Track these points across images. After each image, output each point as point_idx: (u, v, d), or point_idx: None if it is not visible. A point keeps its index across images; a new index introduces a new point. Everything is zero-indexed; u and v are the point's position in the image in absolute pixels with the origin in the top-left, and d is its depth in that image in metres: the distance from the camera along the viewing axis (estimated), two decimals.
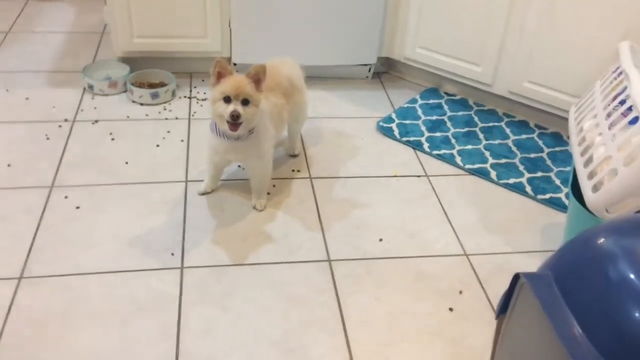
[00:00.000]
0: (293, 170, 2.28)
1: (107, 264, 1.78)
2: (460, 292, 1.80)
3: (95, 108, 2.53)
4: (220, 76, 1.80)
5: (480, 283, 1.83)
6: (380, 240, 1.97)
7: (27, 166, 2.14)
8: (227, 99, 1.77)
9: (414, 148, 2.46)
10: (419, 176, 2.30)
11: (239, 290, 1.74)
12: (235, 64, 2.84)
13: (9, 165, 2.14)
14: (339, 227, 2.01)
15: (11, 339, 1.53)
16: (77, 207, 1.98)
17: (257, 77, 1.81)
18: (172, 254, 1.84)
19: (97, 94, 2.62)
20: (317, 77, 2.90)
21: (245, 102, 1.78)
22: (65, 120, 2.43)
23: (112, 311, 1.63)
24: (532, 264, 1.91)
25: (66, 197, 2.02)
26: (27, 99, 2.55)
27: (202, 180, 2.13)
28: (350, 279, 1.81)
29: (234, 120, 1.76)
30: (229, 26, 2.69)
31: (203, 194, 2.10)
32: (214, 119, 1.85)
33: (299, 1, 2.64)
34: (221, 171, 2.11)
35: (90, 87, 2.63)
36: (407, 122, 2.61)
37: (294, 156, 2.35)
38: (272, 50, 2.72)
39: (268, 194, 2.13)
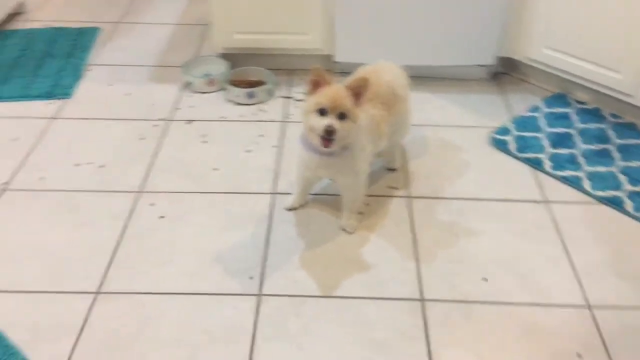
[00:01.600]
0: (390, 187, 2.06)
1: (184, 283, 1.69)
2: (579, 357, 1.50)
3: (191, 107, 2.46)
4: (316, 85, 1.62)
5: (605, 347, 1.52)
6: (485, 279, 1.71)
7: (119, 168, 2.11)
8: (322, 112, 1.59)
9: (532, 167, 2.14)
10: (536, 202, 1.99)
11: (317, 326, 1.57)
12: (338, 63, 2.65)
13: (102, 167, 2.12)
14: (437, 259, 1.78)
15: None
16: (161, 217, 1.91)
17: (358, 90, 1.61)
18: (251, 278, 1.71)
19: (196, 92, 2.55)
20: (426, 77, 2.63)
21: (341, 116, 1.59)
22: (161, 119, 2.38)
23: (183, 339, 1.53)
24: None
25: (152, 204, 1.96)
26: (127, 94, 2.53)
27: (290, 194, 1.98)
28: (445, 327, 1.57)
29: (328, 136, 1.58)
30: (333, 22, 2.49)
31: (290, 209, 1.95)
32: (306, 132, 1.67)
33: None
34: (311, 186, 1.94)
35: (189, 84, 2.57)
36: (527, 134, 2.28)
37: (393, 170, 2.13)
38: (379, 48, 2.50)
39: (360, 213, 1.93)
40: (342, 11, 2.44)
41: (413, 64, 2.53)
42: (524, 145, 2.22)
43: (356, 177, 1.77)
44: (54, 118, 2.36)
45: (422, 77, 2.63)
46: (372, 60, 2.43)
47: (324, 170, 1.76)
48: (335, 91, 1.58)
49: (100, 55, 2.81)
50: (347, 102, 1.57)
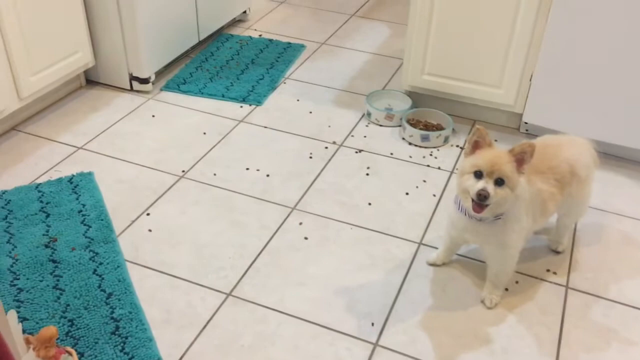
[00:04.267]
0: (548, 271, 1.87)
1: (307, 310, 1.71)
2: None
3: (365, 137, 2.50)
4: (477, 146, 1.54)
5: None
6: None
7: (282, 181, 2.21)
8: (479, 174, 1.50)
9: None
10: None
11: None
12: (526, 123, 2.49)
13: (267, 176, 2.24)
14: None
15: (195, 355, 1.57)
16: (306, 238, 1.96)
17: (521, 157, 1.49)
18: (372, 324, 1.67)
19: (373, 123, 2.59)
20: (625, 159, 2.36)
21: (499, 182, 1.49)
22: (333, 142, 2.45)
23: None
24: None
25: (301, 223, 2.02)
26: (310, 112, 2.65)
27: (436, 248, 1.90)
28: None
29: (481, 201, 1.49)
30: (530, 80, 2.35)
31: (432, 264, 1.87)
32: (458, 193, 1.60)
33: (624, 68, 2.15)
34: (458, 247, 1.84)
35: (369, 114, 2.61)
36: None
37: (557, 253, 1.93)
38: (575, 117, 2.30)
39: (506, 289, 1.78)
40: (542, 70, 2.29)
41: (611, 142, 2.29)
42: None
43: (505, 249, 1.64)
44: (241, 121, 2.56)
45: (619, 158, 2.36)
46: (565, 128, 2.25)
47: (472, 235, 1.66)
48: (496, 155, 1.48)
49: (298, 70, 2.99)
50: (507, 167, 1.47)
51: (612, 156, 2.37)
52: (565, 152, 1.70)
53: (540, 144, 1.62)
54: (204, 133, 2.47)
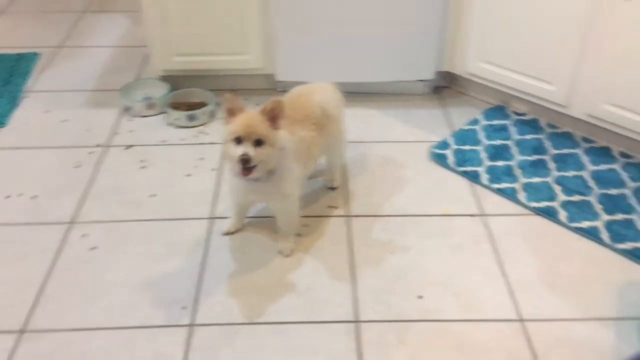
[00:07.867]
0: (330, 207, 2.05)
1: (115, 317, 1.65)
2: None
3: (130, 131, 2.42)
4: (232, 113, 1.61)
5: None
6: (420, 297, 1.71)
7: (51, 199, 2.06)
8: (239, 140, 1.57)
9: (470, 180, 2.16)
10: (472, 215, 2.01)
11: (250, 356, 1.54)
12: (280, 82, 2.64)
13: (32, 198, 2.06)
14: (373, 279, 1.77)
15: None
16: (93, 248, 1.87)
17: (273, 114, 1.60)
18: (184, 308, 1.68)
19: (135, 116, 2.51)
20: (371, 93, 2.64)
21: (258, 142, 1.57)
22: (98, 145, 2.33)
23: None
24: (604, 336, 1.58)
25: (84, 235, 1.91)
26: (64, 121, 2.48)
27: (228, 218, 1.96)
28: (379, 348, 1.56)
29: (244, 164, 1.56)
30: (272, 41, 2.49)
31: (227, 234, 1.92)
32: (228, 162, 1.66)
33: (348, 13, 2.39)
34: (246, 210, 1.92)
35: (129, 108, 2.53)
36: (466, 147, 2.30)
37: (333, 189, 2.12)
38: (320, 66, 2.51)
39: (298, 235, 1.92)
40: (280, 30, 2.44)
41: (355, 81, 2.56)
42: (462, 158, 2.24)
43: (286, 200, 1.76)
44: None
45: (367, 94, 2.64)
46: (314, 78, 2.43)
47: (254, 195, 1.75)
48: (249, 118, 1.57)
49: (39, 81, 2.75)
50: (261, 128, 1.56)
51: (358, 93, 2.64)
52: (315, 98, 1.85)
53: (292, 96, 1.75)
54: None
